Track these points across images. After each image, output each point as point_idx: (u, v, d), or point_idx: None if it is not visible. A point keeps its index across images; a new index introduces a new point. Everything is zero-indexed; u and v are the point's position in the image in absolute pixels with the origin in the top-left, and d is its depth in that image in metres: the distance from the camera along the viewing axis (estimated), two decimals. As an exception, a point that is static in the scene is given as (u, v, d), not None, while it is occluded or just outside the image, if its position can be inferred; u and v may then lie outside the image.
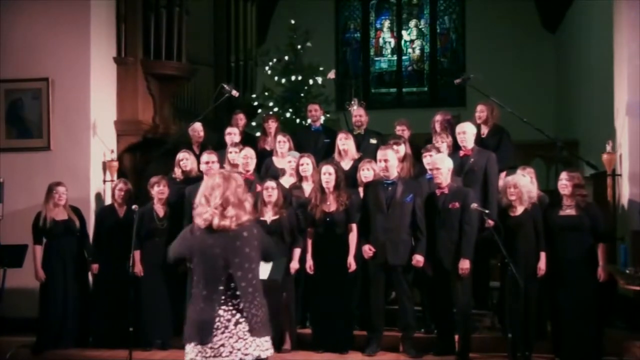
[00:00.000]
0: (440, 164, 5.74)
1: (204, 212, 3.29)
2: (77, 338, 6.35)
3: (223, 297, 3.25)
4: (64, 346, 6.23)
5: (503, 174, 6.43)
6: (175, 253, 3.46)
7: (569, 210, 5.60)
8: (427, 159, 6.14)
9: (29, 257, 6.27)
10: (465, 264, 5.61)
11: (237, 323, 3.24)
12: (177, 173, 6.63)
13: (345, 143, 6.57)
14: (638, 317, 5.88)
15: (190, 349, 3.26)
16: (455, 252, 5.64)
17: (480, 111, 6.74)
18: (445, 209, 5.69)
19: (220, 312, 3.23)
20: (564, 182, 5.62)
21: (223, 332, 3.22)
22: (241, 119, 7.68)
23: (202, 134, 7.29)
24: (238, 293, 3.25)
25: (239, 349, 3.23)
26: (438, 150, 6.24)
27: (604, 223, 5.68)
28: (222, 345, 3.22)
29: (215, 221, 3.26)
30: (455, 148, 6.39)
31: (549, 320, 5.90)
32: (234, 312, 3.25)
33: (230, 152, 6.66)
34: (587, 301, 5.48)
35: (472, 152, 6.27)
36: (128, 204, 6.45)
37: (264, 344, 3.30)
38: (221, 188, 3.29)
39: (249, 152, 6.48)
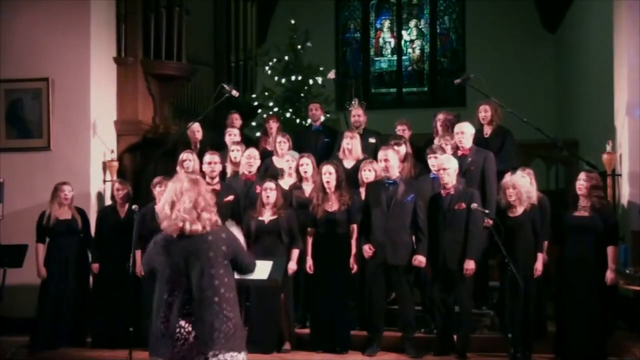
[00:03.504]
0: (447, 164, 5.72)
1: (173, 217, 3.10)
2: (73, 338, 6.35)
3: (186, 307, 3.05)
4: (59, 346, 6.23)
5: (508, 174, 6.42)
6: (144, 266, 3.29)
7: (582, 211, 5.59)
8: (433, 160, 6.08)
9: (29, 257, 6.27)
10: (470, 265, 5.61)
11: (196, 336, 3.03)
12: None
13: (350, 142, 6.56)
14: (638, 317, 5.88)
15: None
16: (460, 252, 5.64)
17: (485, 111, 6.68)
18: (451, 209, 5.68)
19: (182, 322, 3.03)
20: (582, 183, 5.61)
21: (184, 345, 3.02)
22: (236, 119, 7.61)
23: (199, 134, 7.28)
24: (200, 302, 3.04)
25: None
26: (444, 151, 6.20)
27: (616, 226, 5.65)
28: (183, 357, 3.02)
29: (187, 226, 3.09)
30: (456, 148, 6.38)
31: (548, 320, 5.91)
32: (195, 322, 3.03)
33: (232, 151, 6.66)
34: (593, 302, 5.46)
35: (470, 151, 6.25)
36: (129, 204, 6.46)
37: None
38: (190, 192, 3.12)
39: (253, 152, 6.48)
